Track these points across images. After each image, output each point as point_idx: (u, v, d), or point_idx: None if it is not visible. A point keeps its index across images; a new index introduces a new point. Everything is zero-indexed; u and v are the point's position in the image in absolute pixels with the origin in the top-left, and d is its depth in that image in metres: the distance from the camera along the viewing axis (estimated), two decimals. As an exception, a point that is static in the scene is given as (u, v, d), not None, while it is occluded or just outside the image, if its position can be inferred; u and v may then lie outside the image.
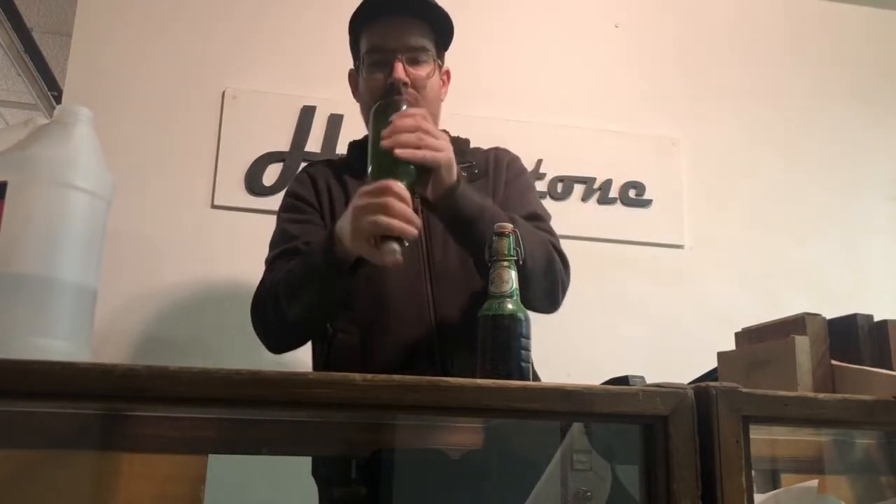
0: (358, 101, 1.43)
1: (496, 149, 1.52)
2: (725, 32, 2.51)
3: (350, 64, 1.45)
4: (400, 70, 1.30)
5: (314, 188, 1.41)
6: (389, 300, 1.29)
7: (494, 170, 1.44)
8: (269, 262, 1.34)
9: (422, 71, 1.34)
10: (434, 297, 1.30)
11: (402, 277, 1.30)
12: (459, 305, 1.28)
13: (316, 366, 1.38)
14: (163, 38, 2.09)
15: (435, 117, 1.39)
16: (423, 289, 1.30)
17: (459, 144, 1.48)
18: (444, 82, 1.44)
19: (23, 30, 3.25)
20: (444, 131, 1.51)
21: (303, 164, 2.04)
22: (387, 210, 1.05)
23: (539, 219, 1.37)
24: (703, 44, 2.48)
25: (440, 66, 1.41)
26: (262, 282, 1.32)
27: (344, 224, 1.14)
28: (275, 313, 1.26)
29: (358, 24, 1.39)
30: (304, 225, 1.37)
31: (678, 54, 2.45)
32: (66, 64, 2.04)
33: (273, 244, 1.37)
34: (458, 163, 1.39)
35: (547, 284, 1.28)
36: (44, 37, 3.39)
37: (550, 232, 1.37)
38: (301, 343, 1.35)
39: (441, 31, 1.40)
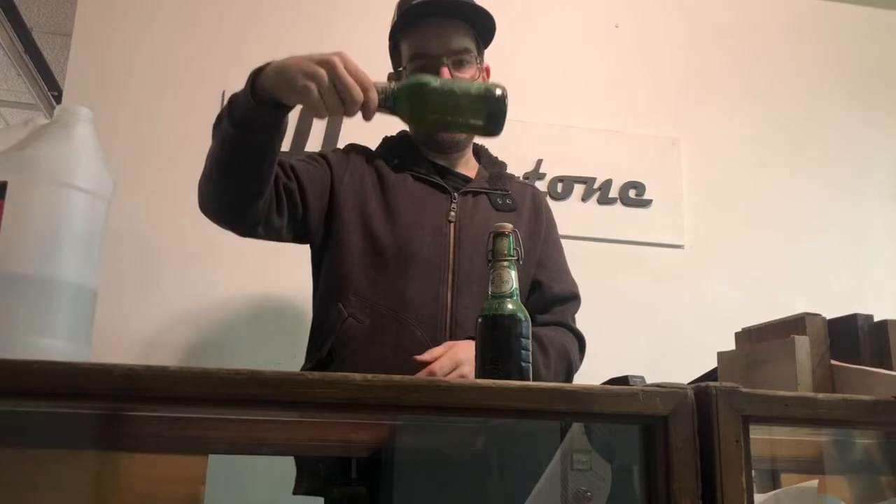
0: None
1: (533, 187, 1.56)
2: (725, 32, 2.51)
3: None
4: (446, 75, 1.33)
5: (347, 159, 1.43)
6: (408, 298, 1.30)
7: (532, 211, 1.47)
8: None
9: (467, 73, 1.37)
10: (453, 305, 1.31)
11: (425, 280, 1.31)
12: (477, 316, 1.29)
13: (319, 346, 1.33)
14: (162, 38, 2.09)
15: None
16: (443, 294, 1.31)
17: (497, 167, 1.51)
18: (484, 79, 1.46)
19: (23, 30, 3.25)
20: (483, 146, 1.54)
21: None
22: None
23: (574, 298, 1.45)
24: (702, 44, 2.48)
25: (481, 66, 1.43)
26: None
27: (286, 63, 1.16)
28: (207, 171, 1.32)
29: (398, 30, 1.41)
30: (306, 165, 1.38)
31: (678, 54, 2.45)
32: (66, 64, 2.04)
33: None
34: (494, 188, 1.45)
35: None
36: (44, 37, 3.39)
37: (573, 315, 1.45)
38: (236, 202, 1.32)
39: (482, 29, 1.42)
